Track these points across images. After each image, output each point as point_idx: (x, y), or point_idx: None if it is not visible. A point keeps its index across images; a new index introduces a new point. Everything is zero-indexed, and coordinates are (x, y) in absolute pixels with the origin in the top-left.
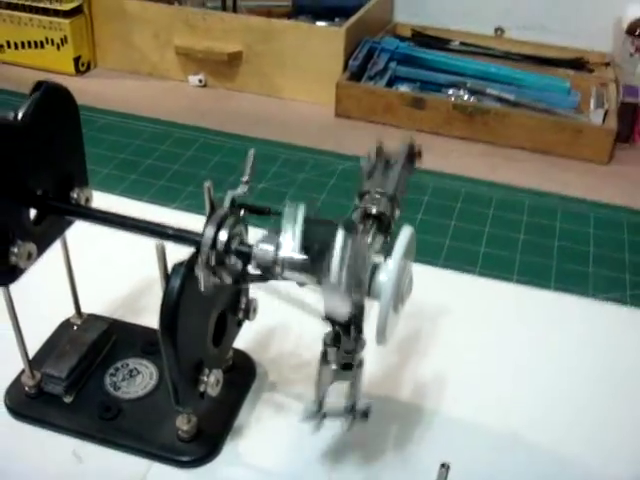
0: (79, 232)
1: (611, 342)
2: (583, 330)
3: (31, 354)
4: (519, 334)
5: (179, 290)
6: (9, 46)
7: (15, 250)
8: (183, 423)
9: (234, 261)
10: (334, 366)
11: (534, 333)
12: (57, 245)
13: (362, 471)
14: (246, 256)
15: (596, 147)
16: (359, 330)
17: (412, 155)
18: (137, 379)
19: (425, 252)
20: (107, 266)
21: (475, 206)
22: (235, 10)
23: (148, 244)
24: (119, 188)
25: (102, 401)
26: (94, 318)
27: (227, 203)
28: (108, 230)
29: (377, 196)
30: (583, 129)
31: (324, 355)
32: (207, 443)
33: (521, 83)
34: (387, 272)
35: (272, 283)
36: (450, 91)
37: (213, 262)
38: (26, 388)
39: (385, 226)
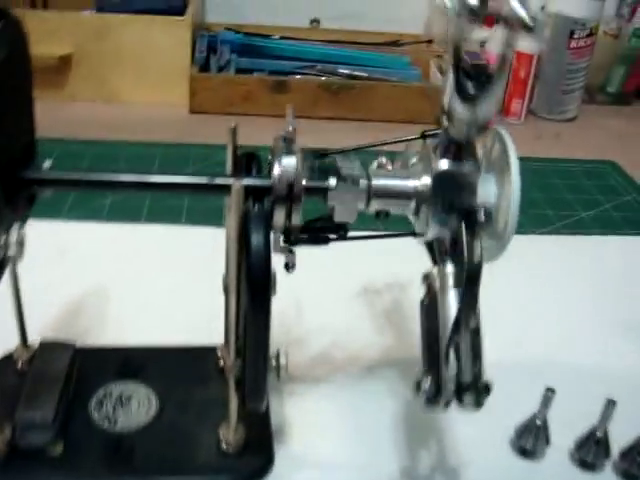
0: None
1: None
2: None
3: None
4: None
5: (267, 242)
6: None
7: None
8: (229, 433)
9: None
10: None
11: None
12: None
13: (434, 444)
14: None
15: None
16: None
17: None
18: (132, 405)
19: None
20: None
21: None
22: (45, 6)
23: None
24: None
25: (104, 440)
26: (52, 345)
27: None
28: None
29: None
30: None
31: (457, 322)
32: (260, 451)
33: (362, 62)
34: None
35: None
36: (297, 77)
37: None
38: None
39: None
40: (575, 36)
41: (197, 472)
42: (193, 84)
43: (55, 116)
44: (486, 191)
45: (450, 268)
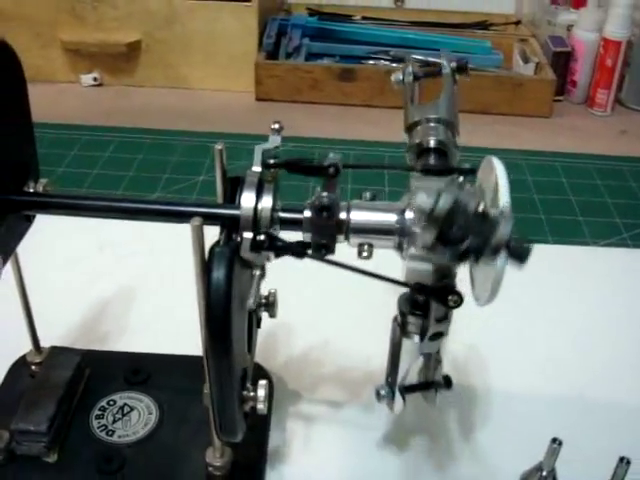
0: None
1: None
2: (600, 278)
3: None
4: (536, 292)
5: (228, 279)
6: None
7: None
8: (215, 458)
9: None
10: (419, 341)
11: (546, 288)
12: None
13: (435, 476)
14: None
15: (538, 100)
16: (453, 291)
17: (461, 67)
18: (132, 416)
19: None
20: (50, 289)
21: None
22: None
23: (90, 256)
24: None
25: (97, 452)
26: (60, 351)
27: (258, 159)
28: (43, 246)
29: (432, 124)
30: (524, 83)
31: (403, 327)
32: (247, 477)
33: (441, 47)
34: (501, 214)
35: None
36: (371, 62)
37: (261, 237)
38: None
39: (449, 158)
40: None
41: None
42: (258, 71)
43: (123, 102)
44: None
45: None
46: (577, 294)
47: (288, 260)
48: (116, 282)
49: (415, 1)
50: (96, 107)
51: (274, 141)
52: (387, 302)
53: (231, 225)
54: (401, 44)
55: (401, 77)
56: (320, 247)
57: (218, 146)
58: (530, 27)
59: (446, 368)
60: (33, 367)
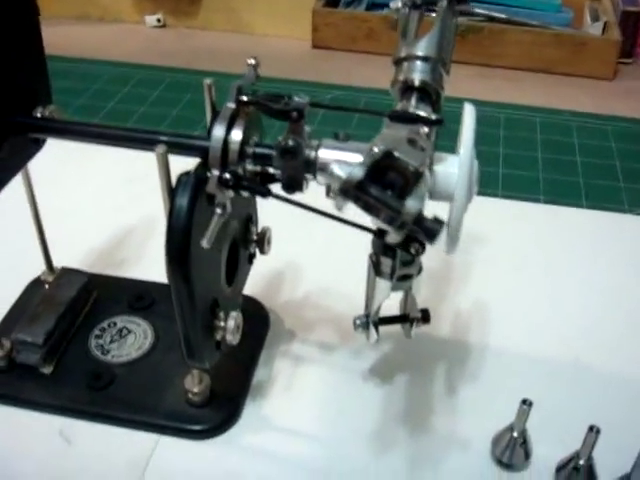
0: (40, 176)
1: None
2: (625, 247)
3: None
4: (557, 256)
5: (189, 206)
6: None
7: None
8: (194, 384)
9: (251, 168)
10: (389, 280)
11: (573, 254)
12: (16, 192)
13: (411, 427)
14: (268, 159)
15: (600, 61)
16: (416, 239)
17: None
18: (128, 339)
19: None
20: (75, 215)
21: (484, 127)
22: None
23: (121, 189)
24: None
25: (90, 368)
26: (69, 272)
27: (233, 95)
28: (73, 174)
29: (418, 62)
30: (586, 42)
31: (376, 266)
32: (224, 406)
33: (508, 2)
34: (458, 163)
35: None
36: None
37: (228, 170)
38: None
39: (432, 101)
40: None
41: (158, 416)
42: (315, 19)
43: (185, 44)
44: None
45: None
46: (605, 261)
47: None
48: (140, 213)
49: None
50: (157, 47)
51: (249, 78)
52: None
53: (205, 157)
54: None
55: (400, 4)
56: (289, 185)
57: (207, 81)
58: None
59: (446, 320)
60: (46, 286)
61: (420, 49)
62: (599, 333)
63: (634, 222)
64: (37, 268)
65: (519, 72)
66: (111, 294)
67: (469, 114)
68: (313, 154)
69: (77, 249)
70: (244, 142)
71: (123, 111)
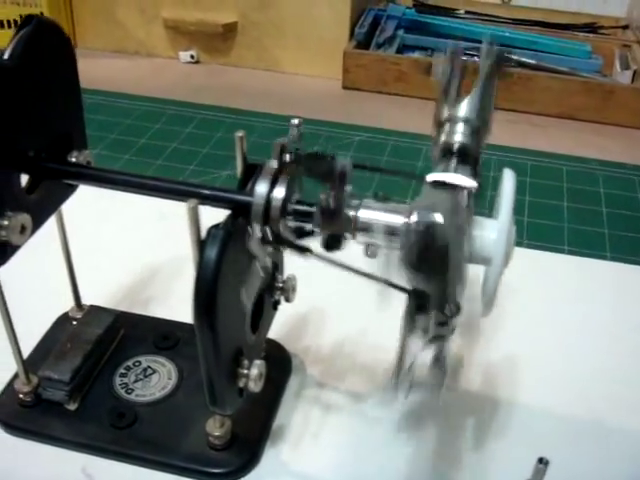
0: (74, 213)
1: None
2: None
3: (25, 354)
4: (584, 308)
5: (217, 259)
6: None
7: (5, 223)
8: (215, 428)
9: (291, 224)
10: (422, 338)
11: (600, 306)
12: (50, 229)
13: (437, 475)
14: (308, 216)
15: (629, 109)
16: (452, 300)
17: (501, 60)
18: (153, 379)
19: None
20: (106, 252)
21: None
22: None
23: (152, 226)
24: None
25: (113, 407)
26: (97, 310)
27: (276, 154)
28: (106, 211)
29: (459, 124)
30: (615, 90)
31: (409, 324)
32: (244, 450)
33: (539, 48)
34: (497, 228)
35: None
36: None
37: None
38: (21, 396)
39: (473, 164)
40: None
41: (179, 457)
42: (346, 60)
43: (218, 80)
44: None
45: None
46: (627, 315)
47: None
48: (169, 252)
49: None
50: (189, 83)
51: (293, 136)
52: None
53: (237, 211)
54: (498, 42)
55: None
56: (328, 244)
57: (239, 133)
58: (637, 32)
59: (475, 373)
60: (74, 322)
61: (462, 111)
62: (627, 392)
63: None
64: (66, 304)
65: (544, 118)
66: (137, 333)
67: (509, 180)
68: (353, 213)
69: (105, 286)
70: (286, 199)
71: (154, 148)
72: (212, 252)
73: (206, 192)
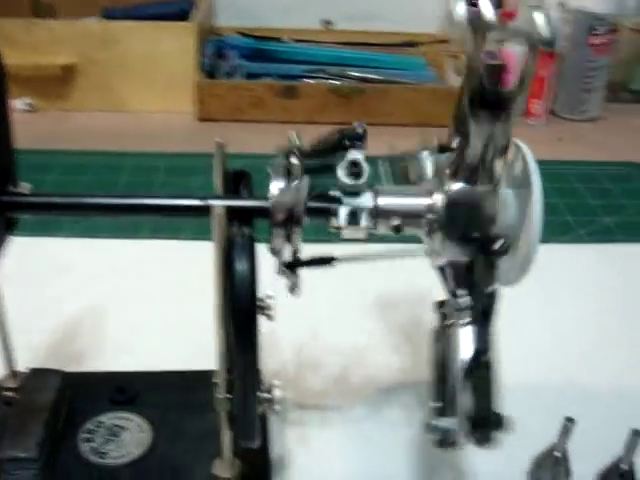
0: None
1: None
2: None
3: None
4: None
5: (252, 269)
6: None
7: None
8: (224, 470)
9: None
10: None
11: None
12: None
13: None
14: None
15: None
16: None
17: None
18: (124, 436)
19: None
20: (20, 312)
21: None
22: (52, 15)
23: (54, 277)
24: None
25: (90, 476)
26: (40, 372)
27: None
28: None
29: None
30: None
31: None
32: None
33: (377, 65)
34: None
35: None
36: (306, 82)
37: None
38: None
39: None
40: (595, 32)
41: None
42: (200, 91)
43: (60, 127)
44: (506, 219)
45: (464, 299)
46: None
47: None
48: (80, 303)
49: (342, 22)
50: (31, 132)
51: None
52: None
53: (245, 217)
54: (336, 62)
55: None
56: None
57: (218, 140)
58: (458, 46)
59: None
60: (8, 393)
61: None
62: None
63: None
64: None
65: (405, 128)
66: (88, 391)
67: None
68: (371, 202)
69: (25, 348)
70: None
71: None
72: (244, 264)
73: (218, 202)
